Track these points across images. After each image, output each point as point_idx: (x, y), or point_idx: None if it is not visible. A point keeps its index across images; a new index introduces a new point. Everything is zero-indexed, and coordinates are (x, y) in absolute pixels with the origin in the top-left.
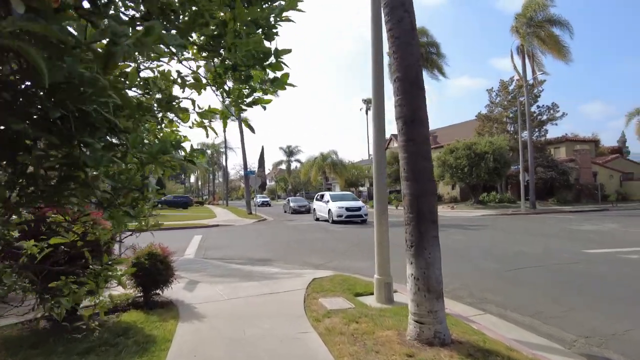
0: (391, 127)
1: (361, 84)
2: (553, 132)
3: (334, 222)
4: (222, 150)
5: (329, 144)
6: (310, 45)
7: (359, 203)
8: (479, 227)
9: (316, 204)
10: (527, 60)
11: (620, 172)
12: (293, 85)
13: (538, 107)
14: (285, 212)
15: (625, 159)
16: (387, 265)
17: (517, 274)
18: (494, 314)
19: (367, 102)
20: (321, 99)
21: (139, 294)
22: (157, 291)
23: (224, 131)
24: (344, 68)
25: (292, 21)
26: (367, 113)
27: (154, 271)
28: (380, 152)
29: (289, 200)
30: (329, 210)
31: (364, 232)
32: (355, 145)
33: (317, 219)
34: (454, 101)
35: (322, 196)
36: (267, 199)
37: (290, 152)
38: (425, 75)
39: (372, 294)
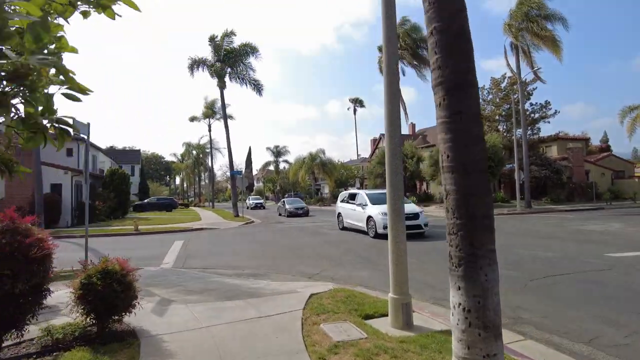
0: (381, 126)
1: (352, 83)
2: (544, 130)
3: (377, 235)
4: (208, 150)
5: (317, 144)
6: (299, 42)
7: (413, 206)
8: None
9: (342, 208)
10: (520, 58)
11: (612, 170)
12: None
13: (531, 104)
14: (280, 214)
15: (616, 157)
16: (405, 282)
17: (545, 285)
18: (538, 340)
19: (354, 101)
20: (309, 99)
21: (92, 322)
22: (116, 317)
23: (209, 130)
24: (330, 68)
25: None
26: (355, 112)
27: (109, 294)
28: (395, 138)
29: (284, 201)
30: (369, 217)
31: (356, 235)
32: (343, 146)
33: (344, 228)
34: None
35: (352, 197)
36: (261, 201)
37: (277, 152)
38: (413, 74)
39: (384, 315)
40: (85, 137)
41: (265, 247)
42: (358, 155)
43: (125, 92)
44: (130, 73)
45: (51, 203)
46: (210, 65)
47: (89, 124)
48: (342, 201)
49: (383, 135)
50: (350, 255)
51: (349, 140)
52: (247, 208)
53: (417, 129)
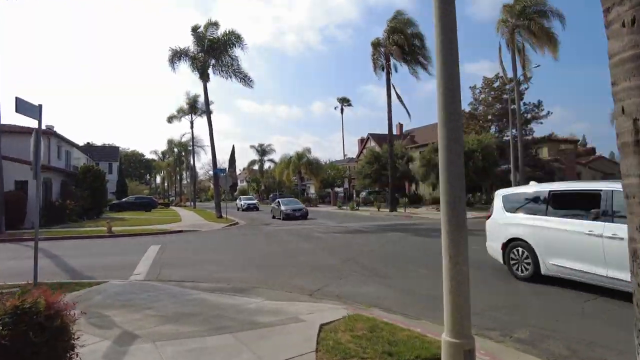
0: (367, 127)
1: (337, 84)
2: (536, 131)
3: None
4: (190, 148)
5: (301, 144)
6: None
7: None
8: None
9: (529, 225)
10: (517, 56)
11: (602, 173)
12: None
13: (524, 104)
14: (274, 217)
15: (606, 159)
16: (467, 319)
17: (604, 308)
18: None
19: (341, 101)
20: (293, 99)
21: None
22: None
23: (192, 127)
24: (315, 68)
25: None
26: (342, 112)
27: (23, 349)
28: (454, 106)
29: (278, 202)
30: None
31: (348, 237)
32: (327, 147)
33: (536, 274)
34: (421, 103)
35: (573, 199)
36: (254, 201)
37: (263, 151)
38: (406, 71)
39: None
40: (37, 120)
41: (253, 253)
42: (345, 155)
43: (106, 89)
44: (113, 69)
45: (15, 202)
46: (193, 56)
47: (40, 105)
48: (523, 208)
49: (371, 135)
50: (352, 265)
51: (333, 141)
52: (239, 210)
53: (404, 130)
